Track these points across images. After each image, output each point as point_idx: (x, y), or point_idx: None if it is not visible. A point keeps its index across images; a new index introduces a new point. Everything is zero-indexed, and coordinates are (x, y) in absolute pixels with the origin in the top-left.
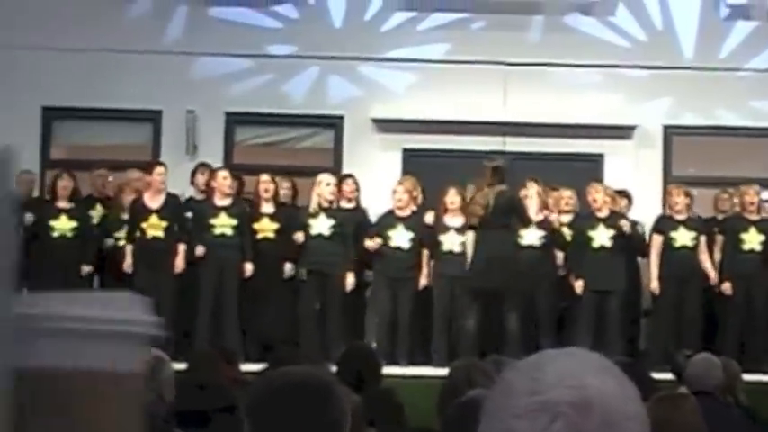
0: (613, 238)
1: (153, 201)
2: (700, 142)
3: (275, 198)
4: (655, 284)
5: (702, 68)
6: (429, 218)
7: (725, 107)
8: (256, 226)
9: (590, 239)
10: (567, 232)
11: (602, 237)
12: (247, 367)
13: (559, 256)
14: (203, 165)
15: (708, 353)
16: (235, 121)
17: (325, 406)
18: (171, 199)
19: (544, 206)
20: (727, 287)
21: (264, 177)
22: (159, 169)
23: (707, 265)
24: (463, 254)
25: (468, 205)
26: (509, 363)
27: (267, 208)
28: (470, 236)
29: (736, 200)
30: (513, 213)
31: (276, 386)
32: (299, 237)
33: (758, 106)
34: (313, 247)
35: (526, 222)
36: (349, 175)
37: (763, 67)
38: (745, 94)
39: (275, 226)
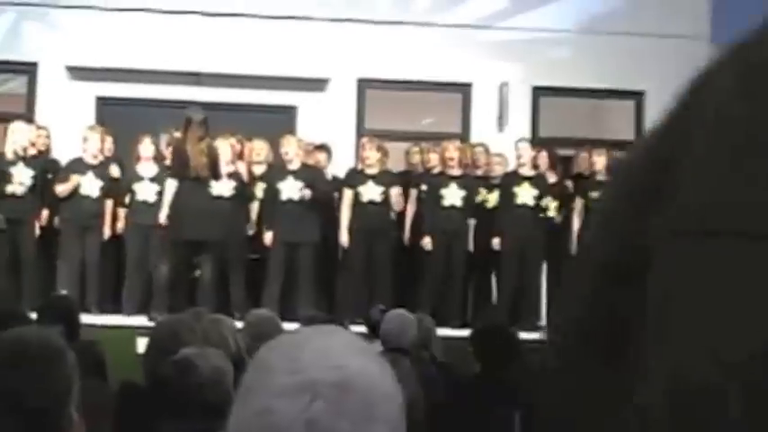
0: (302, 189)
1: None
2: (393, 96)
3: None
4: (344, 238)
5: (397, 22)
6: (114, 171)
7: (418, 61)
8: None
9: (279, 192)
10: (260, 185)
11: (291, 189)
12: None
13: (253, 208)
14: None
15: (402, 309)
16: None
17: (58, 368)
18: None
19: (238, 157)
20: (427, 242)
21: None
22: None
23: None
24: (156, 204)
25: (176, 157)
26: (208, 315)
27: None
28: (170, 185)
29: (433, 155)
30: (211, 165)
31: (10, 349)
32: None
33: (450, 61)
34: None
35: (217, 175)
36: (33, 122)
37: (456, 22)
38: (438, 49)
39: None
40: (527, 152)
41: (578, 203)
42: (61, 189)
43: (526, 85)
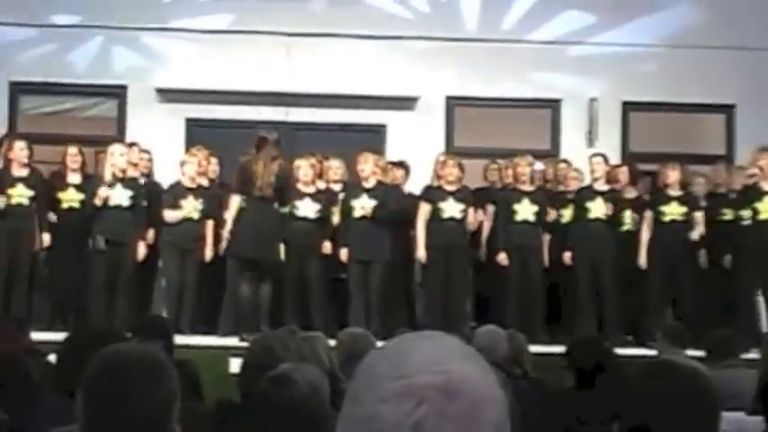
0: (377, 208)
1: None
2: (482, 113)
3: (82, 169)
4: (421, 253)
5: (485, 40)
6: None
7: (507, 78)
8: (62, 196)
9: (352, 209)
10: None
11: (363, 207)
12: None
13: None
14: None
15: (491, 325)
16: (19, 90)
17: (159, 383)
18: None
19: (319, 177)
20: (502, 258)
21: (72, 150)
22: None
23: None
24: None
25: (248, 180)
26: (302, 333)
27: (74, 178)
28: (235, 203)
29: (510, 171)
30: (286, 185)
31: (112, 364)
32: (100, 199)
33: (539, 77)
34: (110, 218)
35: (284, 198)
36: (134, 144)
37: (544, 39)
38: (527, 66)
39: (81, 196)
40: (600, 167)
41: (648, 216)
42: (171, 216)
43: (615, 101)
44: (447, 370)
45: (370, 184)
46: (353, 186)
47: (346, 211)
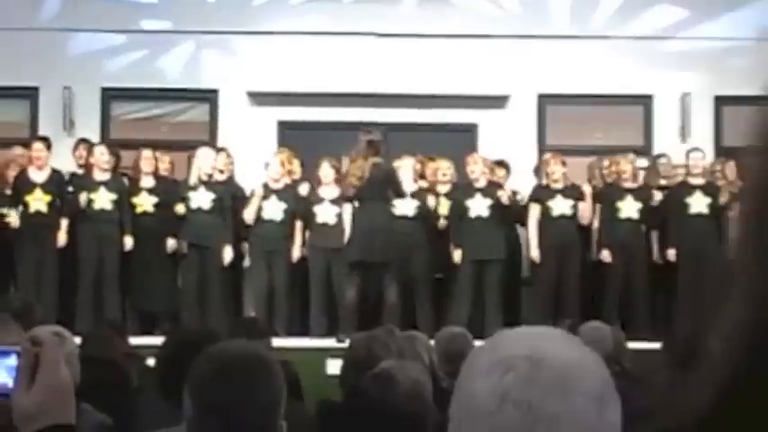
0: (491, 207)
1: (37, 175)
2: (573, 111)
3: (155, 172)
4: (535, 253)
5: (576, 37)
6: (303, 189)
7: (598, 75)
8: (136, 200)
9: (467, 209)
10: (445, 203)
11: (479, 206)
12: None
13: (438, 225)
14: (83, 140)
15: (595, 321)
16: (111, 96)
17: (267, 379)
18: (55, 174)
19: (420, 177)
20: (606, 255)
21: (146, 153)
22: (38, 144)
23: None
24: (337, 226)
25: (344, 178)
26: (401, 332)
27: (147, 182)
28: (348, 209)
29: (614, 168)
30: (389, 185)
31: (219, 363)
32: (180, 209)
33: (630, 73)
34: (193, 221)
35: (400, 194)
36: (222, 149)
37: (635, 34)
38: (618, 62)
39: (155, 200)
40: (698, 162)
41: (737, 209)
42: (246, 213)
43: (708, 96)
44: (536, 345)
45: (481, 183)
46: (465, 187)
47: (459, 211)
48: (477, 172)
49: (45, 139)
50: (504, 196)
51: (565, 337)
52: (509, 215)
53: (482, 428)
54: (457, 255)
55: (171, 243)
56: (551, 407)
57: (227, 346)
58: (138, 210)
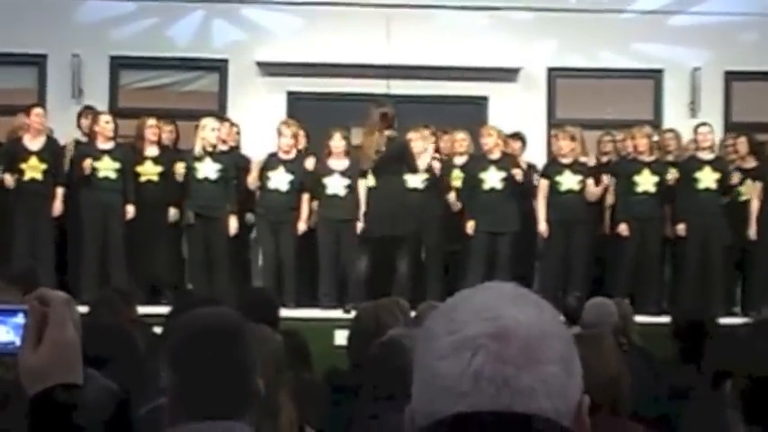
0: (504, 180)
1: (32, 142)
2: (583, 85)
3: (159, 142)
4: (542, 227)
5: (587, 10)
6: (309, 164)
7: (609, 49)
8: (140, 169)
9: (481, 181)
10: (458, 174)
11: (493, 179)
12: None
13: (450, 197)
14: (88, 108)
15: (600, 296)
16: (119, 64)
17: (241, 346)
18: (51, 141)
19: (435, 150)
20: (623, 228)
21: (151, 121)
22: (37, 110)
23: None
24: (347, 197)
25: (358, 151)
26: (404, 302)
27: (151, 151)
28: (362, 183)
29: (628, 142)
30: (402, 159)
31: (196, 329)
32: (180, 170)
33: (641, 48)
34: (199, 191)
35: (413, 169)
36: (226, 119)
37: (646, 9)
38: (628, 36)
39: (159, 169)
40: (707, 136)
41: (757, 186)
42: (249, 179)
43: (718, 70)
44: (497, 316)
45: (495, 155)
46: (479, 159)
47: (472, 183)
48: (491, 144)
49: (42, 105)
50: (518, 174)
51: (522, 300)
52: (523, 189)
53: (461, 407)
54: (470, 226)
55: (173, 212)
56: (526, 380)
57: (202, 313)
58: (143, 179)
